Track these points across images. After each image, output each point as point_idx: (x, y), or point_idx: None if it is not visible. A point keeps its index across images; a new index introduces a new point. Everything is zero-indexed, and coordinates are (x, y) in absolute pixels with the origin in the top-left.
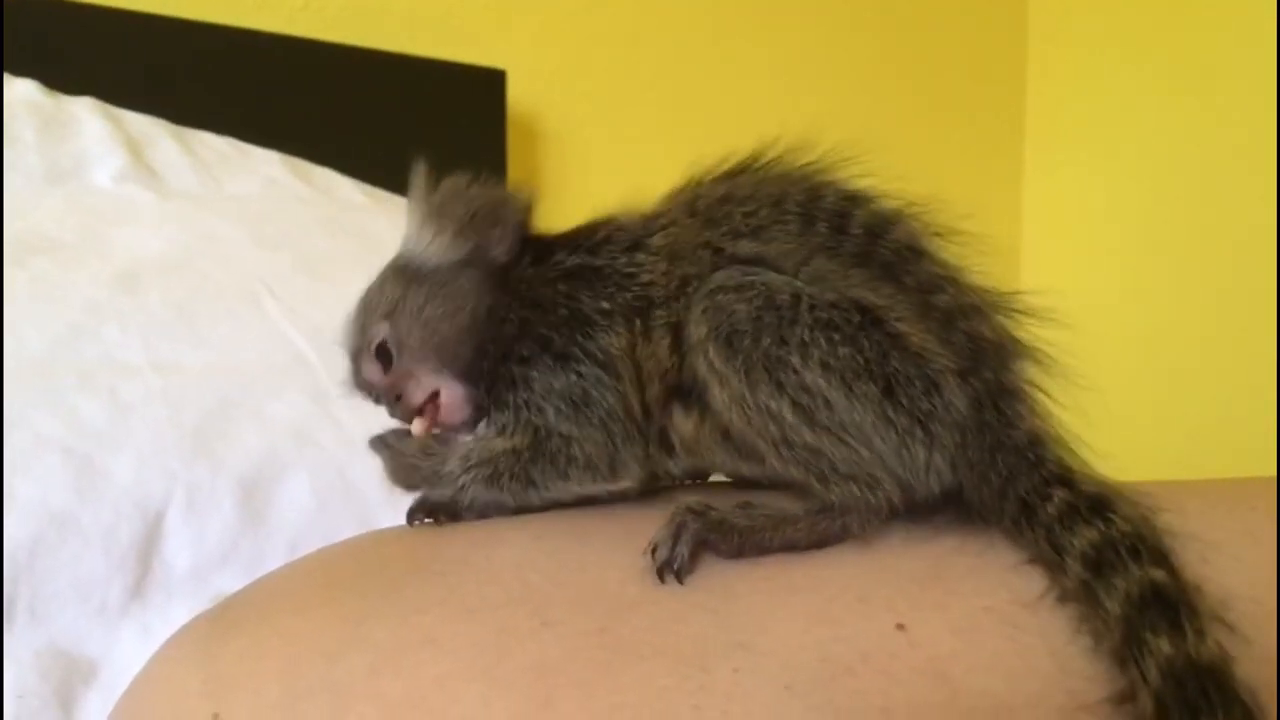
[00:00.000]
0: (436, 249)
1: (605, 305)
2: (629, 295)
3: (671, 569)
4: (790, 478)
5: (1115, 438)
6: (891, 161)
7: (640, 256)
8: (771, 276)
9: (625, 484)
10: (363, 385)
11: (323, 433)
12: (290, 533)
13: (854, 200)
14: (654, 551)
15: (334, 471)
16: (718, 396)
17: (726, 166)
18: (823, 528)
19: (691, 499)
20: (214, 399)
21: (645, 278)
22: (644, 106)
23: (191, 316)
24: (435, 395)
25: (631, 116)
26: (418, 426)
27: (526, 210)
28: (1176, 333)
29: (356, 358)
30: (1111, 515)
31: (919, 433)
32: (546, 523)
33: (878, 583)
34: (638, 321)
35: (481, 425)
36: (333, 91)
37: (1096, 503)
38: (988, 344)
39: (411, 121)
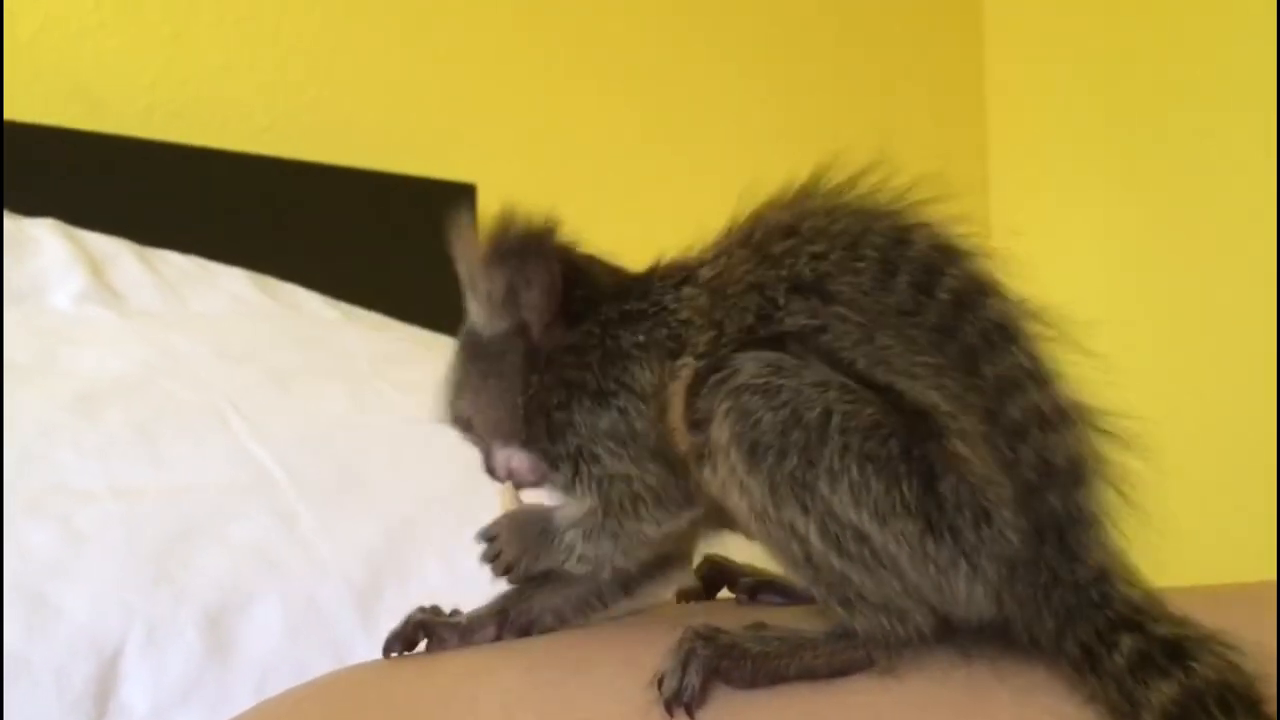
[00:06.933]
0: (484, 320)
1: (640, 339)
2: (664, 333)
3: (681, 701)
4: (809, 593)
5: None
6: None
7: (687, 290)
8: (803, 383)
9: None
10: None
11: (290, 556)
12: (258, 666)
13: (947, 253)
14: (661, 683)
15: (303, 597)
16: (738, 504)
17: (794, 190)
18: (844, 656)
19: (698, 622)
20: (175, 523)
21: (684, 314)
22: (615, 218)
23: (153, 437)
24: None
25: (603, 228)
26: (503, 489)
27: (554, 255)
28: (1156, 370)
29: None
30: (1191, 663)
31: (962, 565)
32: (540, 651)
33: (910, 713)
34: (669, 363)
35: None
36: (301, 208)
37: (1172, 649)
38: (1060, 464)
39: (382, 236)
